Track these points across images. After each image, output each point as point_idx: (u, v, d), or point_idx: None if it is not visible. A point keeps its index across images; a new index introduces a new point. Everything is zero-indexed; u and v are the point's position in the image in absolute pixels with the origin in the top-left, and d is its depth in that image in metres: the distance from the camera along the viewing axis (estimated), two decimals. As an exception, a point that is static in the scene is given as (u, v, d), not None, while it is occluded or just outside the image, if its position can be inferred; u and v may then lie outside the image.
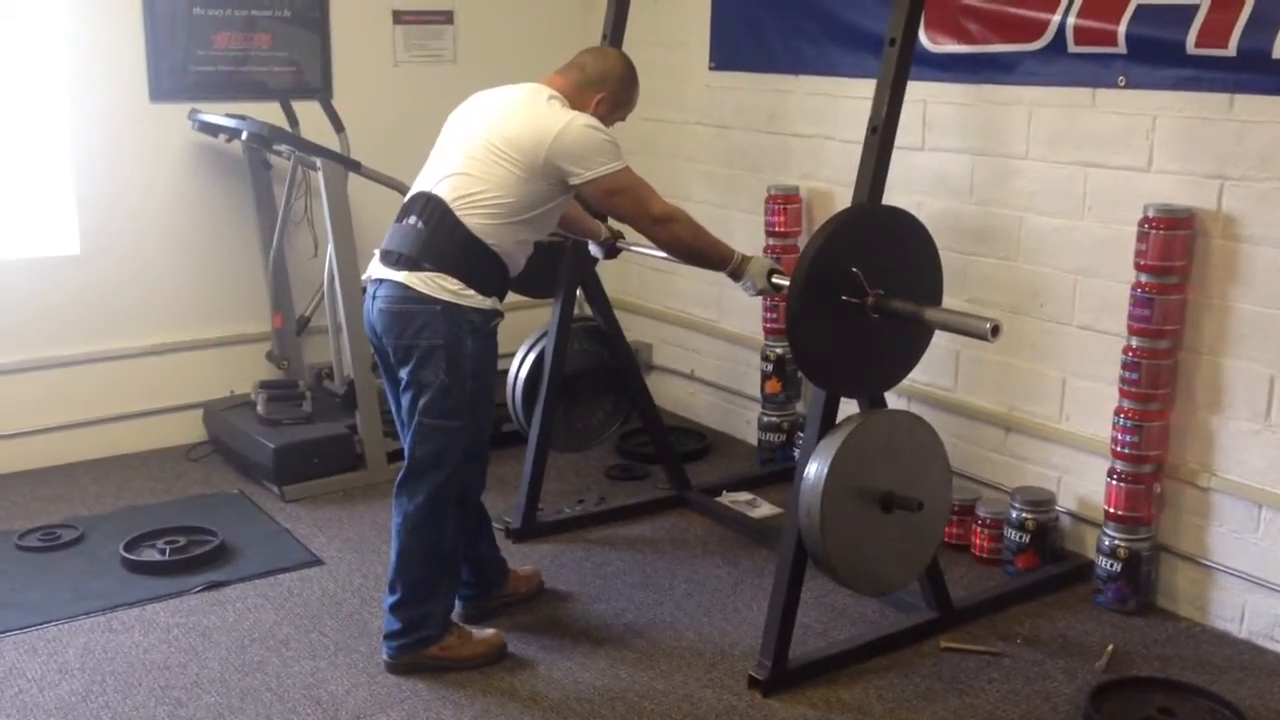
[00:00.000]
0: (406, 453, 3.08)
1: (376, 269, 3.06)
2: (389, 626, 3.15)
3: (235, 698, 3.03)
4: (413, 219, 3.01)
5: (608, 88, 3.16)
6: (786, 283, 3.03)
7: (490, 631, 3.26)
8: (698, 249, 3.15)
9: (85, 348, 4.55)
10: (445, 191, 2.98)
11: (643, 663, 3.21)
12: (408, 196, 3.10)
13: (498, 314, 3.04)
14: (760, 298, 3.81)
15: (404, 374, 3.02)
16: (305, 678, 3.12)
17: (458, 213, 2.95)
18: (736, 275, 3.18)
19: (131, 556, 3.72)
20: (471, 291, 2.96)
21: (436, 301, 2.93)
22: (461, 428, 3.03)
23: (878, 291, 2.92)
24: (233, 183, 4.76)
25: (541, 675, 3.14)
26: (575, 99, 3.11)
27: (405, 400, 3.04)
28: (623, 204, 3.03)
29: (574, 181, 2.97)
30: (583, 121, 2.99)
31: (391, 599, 3.12)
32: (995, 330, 2.80)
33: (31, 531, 3.93)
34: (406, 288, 2.95)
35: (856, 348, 3.00)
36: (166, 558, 3.72)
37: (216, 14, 4.61)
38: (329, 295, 4.46)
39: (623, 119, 3.28)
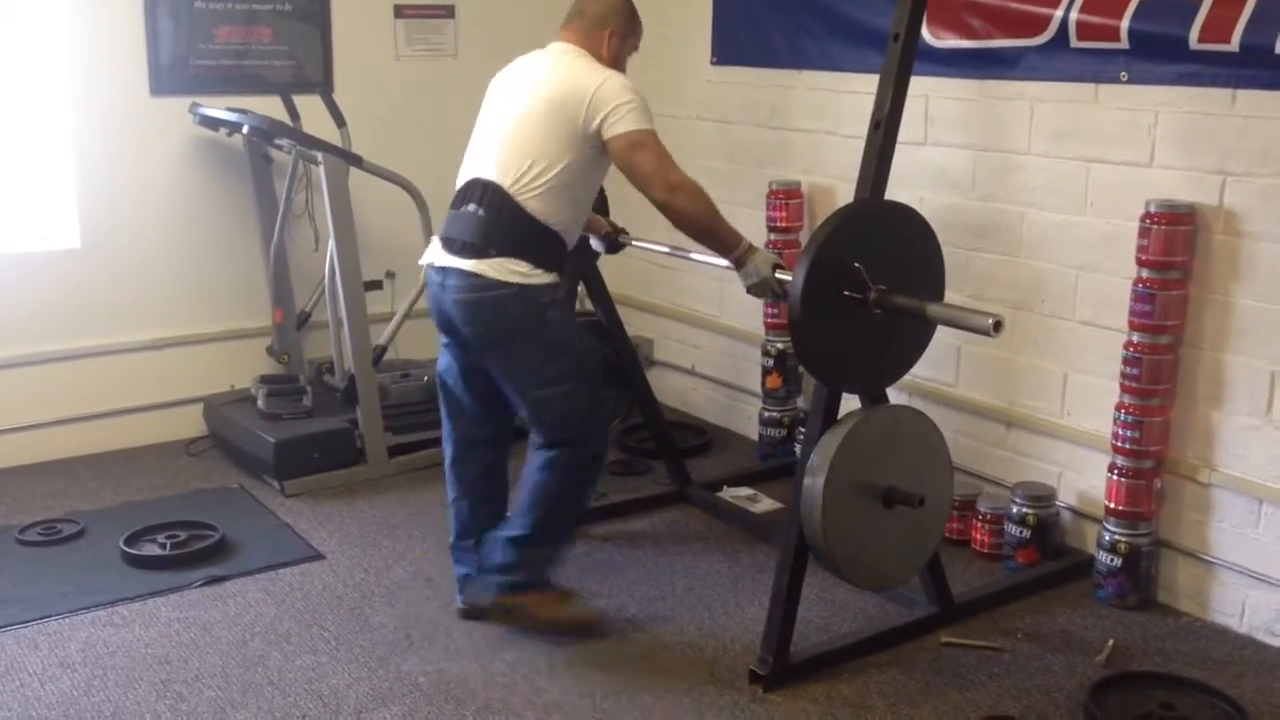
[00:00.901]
0: (532, 424, 3.20)
1: (439, 256, 3.13)
2: (501, 558, 3.22)
3: (236, 692, 3.03)
4: (472, 206, 3.08)
5: (614, 22, 3.22)
6: (789, 277, 3.03)
7: (593, 609, 3.37)
8: (708, 226, 3.11)
9: (85, 342, 4.55)
10: (500, 176, 3.05)
11: (644, 658, 3.21)
12: (462, 181, 3.17)
13: (561, 283, 3.15)
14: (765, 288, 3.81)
15: (496, 358, 3.14)
16: (306, 672, 3.12)
17: (517, 197, 3.03)
18: (740, 263, 3.15)
19: (132, 551, 3.72)
20: (539, 271, 3.06)
21: (510, 285, 3.02)
22: (574, 390, 3.15)
23: (880, 287, 2.92)
24: (233, 177, 4.76)
25: (543, 670, 3.14)
26: (588, 44, 3.18)
27: (509, 382, 3.16)
28: (644, 161, 3.02)
29: (607, 134, 3.01)
30: (620, 80, 3.06)
31: (512, 533, 3.21)
32: (997, 325, 2.80)
33: (32, 526, 3.93)
34: (477, 275, 3.03)
35: (859, 343, 2.99)
36: (167, 552, 3.72)
37: (217, 7, 4.60)
38: (330, 290, 4.45)
39: (635, 48, 3.33)
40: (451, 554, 3.42)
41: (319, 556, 3.78)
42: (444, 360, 3.32)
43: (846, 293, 2.91)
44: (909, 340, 3.12)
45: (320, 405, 4.52)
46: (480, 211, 3.06)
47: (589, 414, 3.20)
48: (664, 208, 3.05)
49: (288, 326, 4.81)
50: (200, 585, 3.57)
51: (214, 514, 4.00)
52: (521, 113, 3.07)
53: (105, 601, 3.46)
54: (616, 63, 3.22)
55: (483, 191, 3.07)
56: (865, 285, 2.91)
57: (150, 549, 3.75)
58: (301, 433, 4.33)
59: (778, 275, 3.13)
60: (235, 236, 4.80)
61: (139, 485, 4.34)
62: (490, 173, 3.08)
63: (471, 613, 3.37)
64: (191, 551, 3.73)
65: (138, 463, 4.54)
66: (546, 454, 3.19)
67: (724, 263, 3.22)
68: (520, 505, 3.22)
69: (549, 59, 3.16)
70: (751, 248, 3.16)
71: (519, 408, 3.22)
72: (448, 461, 3.37)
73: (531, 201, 3.03)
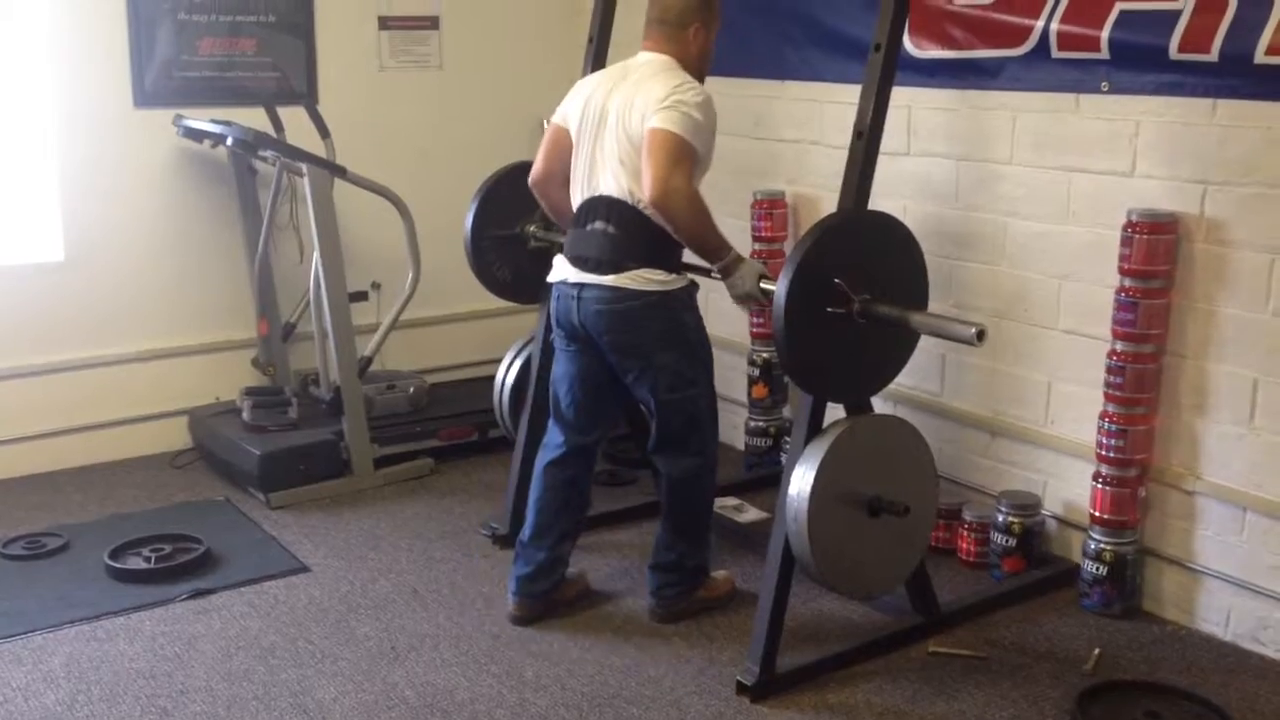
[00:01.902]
0: (659, 426, 3.34)
1: (571, 272, 3.26)
2: (664, 580, 3.43)
3: (221, 706, 3.01)
4: (600, 224, 3.20)
5: (695, 18, 3.26)
6: (774, 288, 3.03)
7: (723, 573, 3.58)
8: (697, 234, 3.14)
9: (69, 354, 4.53)
10: (623, 192, 3.17)
11: (630, 669, 3.20)
12: (580, 198, 3.27)
13: (696, 285, 3.31)
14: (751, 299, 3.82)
15: (633, 362, 3.25)
16: (291, 686, 3.11)
17: (641, 210, 3.14)
18: (726, 272, 3.19)
19: (116, 565, 3.70)
20: (673, 276, 3.21)
21: (650, 294, 3.18)
22: (703, 390, 3.36)
23: (864, 297, 2.93)
24: (218, 188, 4.75)
25: (529, 682, 3.13)
26: (675, 49, 3.25)
27: (643, 385, 3.28)
28: (656, 159, 3.05)
29: (645, 125, 3.07)
30: (687, 90, 3.12)
31: (666, 559, 3.42)
32: (980, 335, 2.81)
33: (16, 540, 3.91)
34: (618, 288, 3.17)
35: (844, 353, 3.00)
36: (152, 566, 3.70)
37: (201, 20, 4.60)
38: (315, 301, 4.45)
39: (719, 28, 3.37)
40: (518, 550, 3.47)
41: (304, 569, 3.77)
42: (560, 368, 3.43)
43: (830, 304, 2.91)
44: (894, 350, 3.13)
45: (306, 417, 4.51)
46: (610, 229, 3.17)
47: (711, 415, 3.42)
48: (656, 206, 3.08)
49: (273, 338, 4.80)
50: (185, 599, 3.56)
51: (199, 527, 3.99)
52: (623, 132, 3.14)
53: (89, 615, 3.45)
54: (705, 55, 3.32)
55: (609, 209, 3.18)
56: (849, 296, 2.91)
57: (135, 562, 3.73)
58: (287, 445, 4.32)
59: (763, 285, 3.15)
60: (220, 248, 4.79)
61: (123, 498, 4.32)
62: (611, 189, 3.18)
63: (523, 617, 3.41)
64: (176, 565, 3.71)
65: (122, 475, 4.52)
66: (671, 470, 3.38)
67: (705, 267, 3.29)
68: (664, 535, 3.45)
69: (639, 74, 3.21)
70: (739, 258, 3.19)
71: (648, 411, 3.35)
72: (542, 463, 3.47)
73: (656, 214, 3.12)
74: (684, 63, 3.24)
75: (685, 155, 3.07)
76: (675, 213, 3.07)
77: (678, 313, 3.24)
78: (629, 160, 3.14)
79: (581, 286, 3.22)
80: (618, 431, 4.32)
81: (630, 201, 3.15)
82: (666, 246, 3.19)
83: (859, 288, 2.93)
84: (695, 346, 3.31)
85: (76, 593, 3.59)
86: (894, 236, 3.09)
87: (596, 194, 3.22)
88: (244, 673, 3.17)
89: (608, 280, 3.17)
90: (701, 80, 3.28)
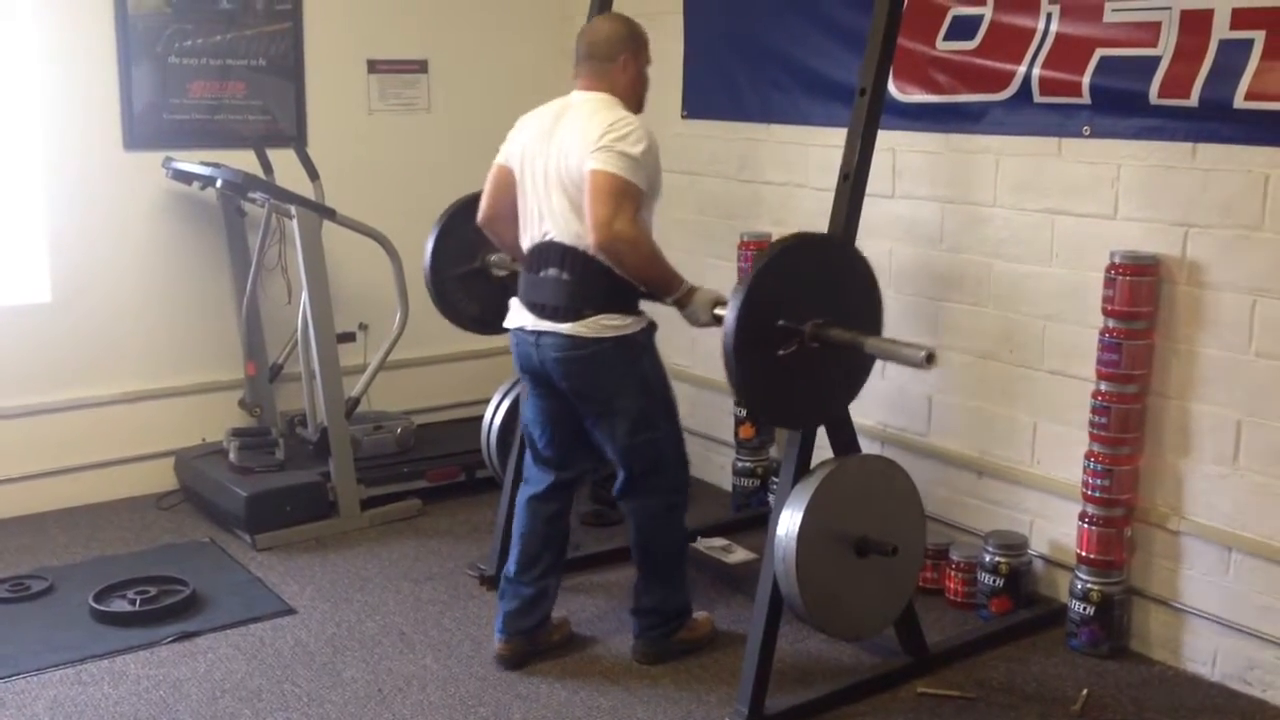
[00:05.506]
0: (624, 470, 3.33)
1: (528, 319, 3.24)
2: (642, 624, 3.43)
3: (207, 750, 2.99)
4: (554, 270, 3.18)
5: (621, 50, 3.25)
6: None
7: (703, 614, 3.57)
8: (644, 275, 3.15)
9: (56, 396, 4.52)
10: (571, 238, 3.14)
11: (618, 711, 3.19)
12: (528, 242, 3.27)
13: (654, 325, 3.28)
14: (709, 327, 3.84)
15: (594, 408, 3.26)
16: (278, 729, 3.09)
17: (593, 255, 3.11)
18: (681, 305, 3.22)
19: (101, 607, 3.68)
20: (630, 319, 3.19)
21: (607, 340, 3.15)
22: (666, 432, 3.33)
23: (815, 321, 2.92)
24: (206, 230, 4.76)
25: (517, 724, 3.12)
26: (606, 84, 3.23)
27: (604, 429, 3.28)
28: (599, 204, 3.03)
29: (585, 167, 3.04)
30: (624, 126, 3.08)
31: (646, 605, 3.43)
32: (929, 358, 2.81)
33: (0, 582, 3.88)
34: (575, 336, 3.16)
35: (796, 379, 2.95)
36: (137, 608, 3.68)
37: (191, 63, 4.63)
38: (303, 342, 4.45)
39: (649, 60, 3.34)
40: (504, 587, 3.45)
41: (290, 611, 3.75)
42: (531, 410, 3.44)
43: (781, 331, 2.88)
44: (847, 375, 3.07)
45: (292, 458, 4.50)
46: (564, 275, 3.15)
47: (676, 456, 3.39)
48: (601, 251, 3.08)
49: (260, 379, 4.80)
50: (170, 641, 3.54)
51: (185, 569, 3.97)
52: (565, 177, 3.12)
53: (74, 659, 3.42)
54: (638, 84, 3.29)
55: (562, 256, 3.16)
56: (799, 322, 2.89)
57: (120, 605, 3.71)
58: (273, 486, 4.30)
59: (717, 312, 3.15)
60: (208, 290, 4.80)
61: (109, 540, 4.29)
62: (561, 236, 3.16)
63: (510, 658, 3.40)
64: (162, 607, 3.69)
65: (108, 517, 4.50)
66: (638, 514, 3.38)
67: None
68: (640, 581, 3.44)
69: (575, 114, 3.18)
70: (691, 290, 3.20)
71: (610, 453, 3.33)
72: (524, 497, 3.48)
73: (603, 257, 3.11)
74: (618, 95, 3.23)
75: (627, 196, 3.05)
76: (621, 256, 3.07)
77: (636, 356, 3.22)
78: (575, 203, 3.11)
79: (539, 334, 3.21)
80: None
81: (581, 248, 3.12)
82: (622, 290, 3.17)
83: (810, 313, 2.91)
84: (654, 389, 3.29)
85: (61, 636, 3.56)
86: (844, 262, 3.05)
87: (547, 239, 3.19)
88: (230, 716, 3.15)
89: (565, 328, 3.16)
90: (639, 110, 3.26)
